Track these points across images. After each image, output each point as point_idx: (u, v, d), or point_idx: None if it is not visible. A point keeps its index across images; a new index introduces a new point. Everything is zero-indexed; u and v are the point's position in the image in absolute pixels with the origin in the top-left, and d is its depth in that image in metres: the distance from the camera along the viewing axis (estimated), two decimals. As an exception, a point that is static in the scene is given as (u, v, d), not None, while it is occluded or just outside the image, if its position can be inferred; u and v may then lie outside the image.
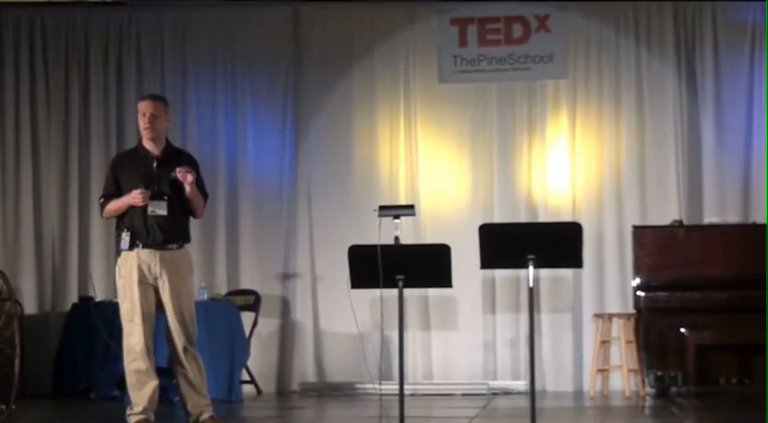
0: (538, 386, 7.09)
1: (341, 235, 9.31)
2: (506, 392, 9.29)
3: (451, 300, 9.51)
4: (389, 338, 9.05)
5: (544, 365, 9.51)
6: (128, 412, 6.58)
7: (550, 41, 9.79)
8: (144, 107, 6.60)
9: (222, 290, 9.78)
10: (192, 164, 6.70)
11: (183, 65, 10.14)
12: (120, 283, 6.62)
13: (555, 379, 9.54)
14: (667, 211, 9.45)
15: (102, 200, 6.67)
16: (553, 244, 6.03)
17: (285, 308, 9.94)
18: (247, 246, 9.97)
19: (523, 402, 8.27)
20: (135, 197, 6.48)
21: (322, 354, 9.85)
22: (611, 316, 9.10)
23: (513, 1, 9.82)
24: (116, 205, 6.57)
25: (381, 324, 7.35)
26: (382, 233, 6.39)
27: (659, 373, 8.80)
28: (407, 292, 6.29)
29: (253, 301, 9.58)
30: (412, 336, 9.62)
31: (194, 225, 9.99)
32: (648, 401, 8.61)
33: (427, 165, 9.89)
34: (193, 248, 9.91)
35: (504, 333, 9.62)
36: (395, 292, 6.22)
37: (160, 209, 6.56)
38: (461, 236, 8.63)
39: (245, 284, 9.85)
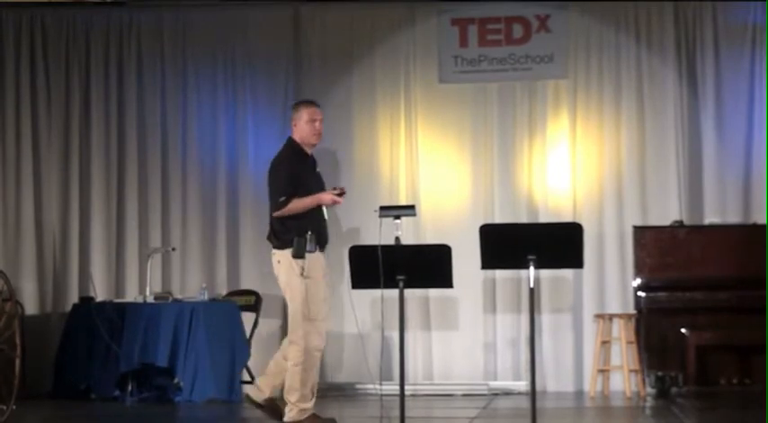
0: (538, 386, 7.08)
1: (341, 235, 9.31)
2: (507, 393, 9.29)
3: (452, 300, 9.51)
4: (390, 339, 9.06)
5: (545, 366, 9.51)
6: (302, 406, 6.81)
7: (551, 42, 9.78)
8: (316, 114, 7.04)
9: (223, 290, 9.79)
10: None
11: (184, 65, 10.14)
12: (304, 283, 6.83)
13: (555, 379, 9.53)
14: (668, 212, 9.45)
15: (284, 198, 6.81)
16: (554, 244, 6.03)
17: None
18: (248, 246, 9.96)
19: (524, 403, 8.27)
20: (332, 199, 6.87)
21: (323, 354, 9.81)
22: (611, 316, 9.11)
23: (513, 1, 9.82)
24: (303, 203, 6.82)
25: (382, 324, 7.36)
26: (383, 233, 6.39)
27: (660, 374, 8.81)
28: (408, 292, 6.30)
29: (253, 302, 9.57)
30: (412, 336, 9.62)
31: (195, 225, 10.10)
32: (649, 402, 8.62)
33: (428, 165, 9.89)
34: (194, 248, 10.01)
35: (505, 333, 9.62)
36: (395, 292, 6.22)
37: (325, 214, 6.99)
38: (462, 236, 8.63)
39: (246, 285, 9.84)
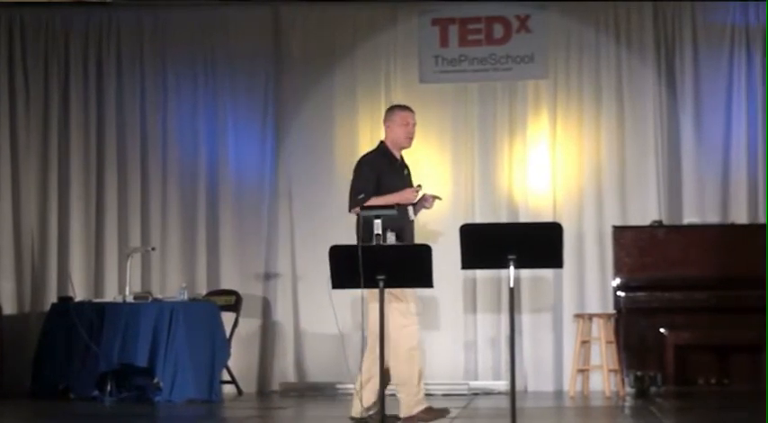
0: (518, 386, 7.10)
1: (322, 235, 9.31)
2: (487, 393, 9.30)
3: (432, 300, 9.51)
4: (370, 339, 9.05)
5: (524, 365, 9.53)
6: (418, 397, 6.82)
7: (531, 42, 9.80)
8: (410, 117, 7.11)
9: (202, 290, 9.77)
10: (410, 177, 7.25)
11: (164, 65, 10.12)
12: None
13: (535, 379, 9.55)
14: (647, 212, 9.48)
15: (362, 196, 6.85)
16: (534, 244, 6.03)
17: (266, 308, 9.93)
18: (228, 246, 9.95)
19: (504, 402, 8.28)
20: (409, 196, 6.90)
21: (303, 354, 9.84)
22: (591, 316, 9.13)
23: (494, 1, 9.84)
24: (381, 201, 6.82)
25: (362, 324, 7.33)
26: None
27: (639, 373, 8.83)
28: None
29: (233, 302, 9.57)
30: (393, 336, 9.61)
31: (175, 225, 10.08)
32: (628, 401, 8.63)
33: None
34: (174, 248, 9.99)
35: (485, 333, 9.63)
36: (375, 292, 6.21)
37: (412, 214, 7.03)
38: (442, 236, 8.65)
39: (226, 285, 9.83)
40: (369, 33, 9.99)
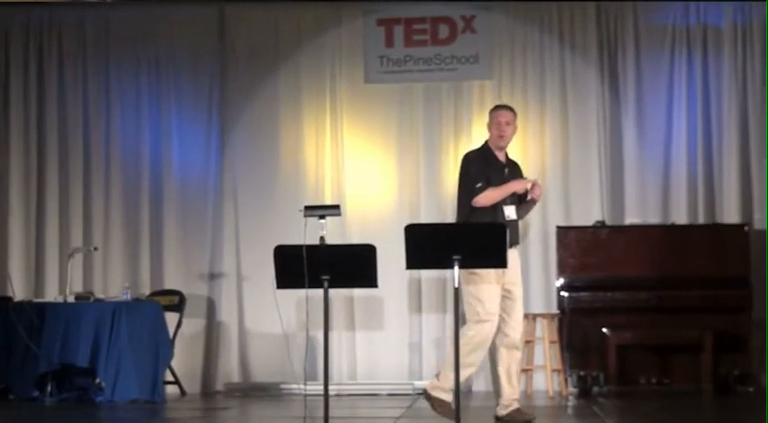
0: (462, 386, 7.09)
1: (267, 235, 9.28)
2: (431, 392, 9.29)
3: (377, 300, 9.52)
4: (315, 339, 9.03)
5: (469, 365, 9.54)
6: (435, 383, 6.96)
7: (476, 42, 9.84)
8: (500, 116, 7.08)
9: (146, 290, 9.70)
10: (521, 175, 7.24)
11: (106, 64, 10.03)
12: (480, 282, 6.82)
13: (479, 379, 9.57)
14: (590, 212, 9.55)
15: (480, 185, 6.83)
16: (478, 244, 6.07)
17: (210, 308, 9.87)
18: (172, 246, 9.89)
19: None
20: (523, 185, 6.94)
21: (247, 354, 9.80)
22: (534, 316, 9.17)
23: (439, 1, 9.86)
24: (498, 193, 6.86)
25: (307, 324, 7.31)
26: (308, 233, 6.37)
27: (582, 373, 8.89)
28: (333, 292, 6.29)
29: (177, 302, 9.51)
30: (337, 336, 9.62)
31: (118, 225, 9.99)
32: (571, 401, 8.69)
33: (353, 165, 9.89)
34: (117, 248, 9.91)
35: (430, 333, 9.65)
36: (320, 292, 6.21)
37: (512, 214, 6.95)
38: (387, 236, 8.64)
39: (170, 284, 9.76)
40: (314, 33, 9.97)
